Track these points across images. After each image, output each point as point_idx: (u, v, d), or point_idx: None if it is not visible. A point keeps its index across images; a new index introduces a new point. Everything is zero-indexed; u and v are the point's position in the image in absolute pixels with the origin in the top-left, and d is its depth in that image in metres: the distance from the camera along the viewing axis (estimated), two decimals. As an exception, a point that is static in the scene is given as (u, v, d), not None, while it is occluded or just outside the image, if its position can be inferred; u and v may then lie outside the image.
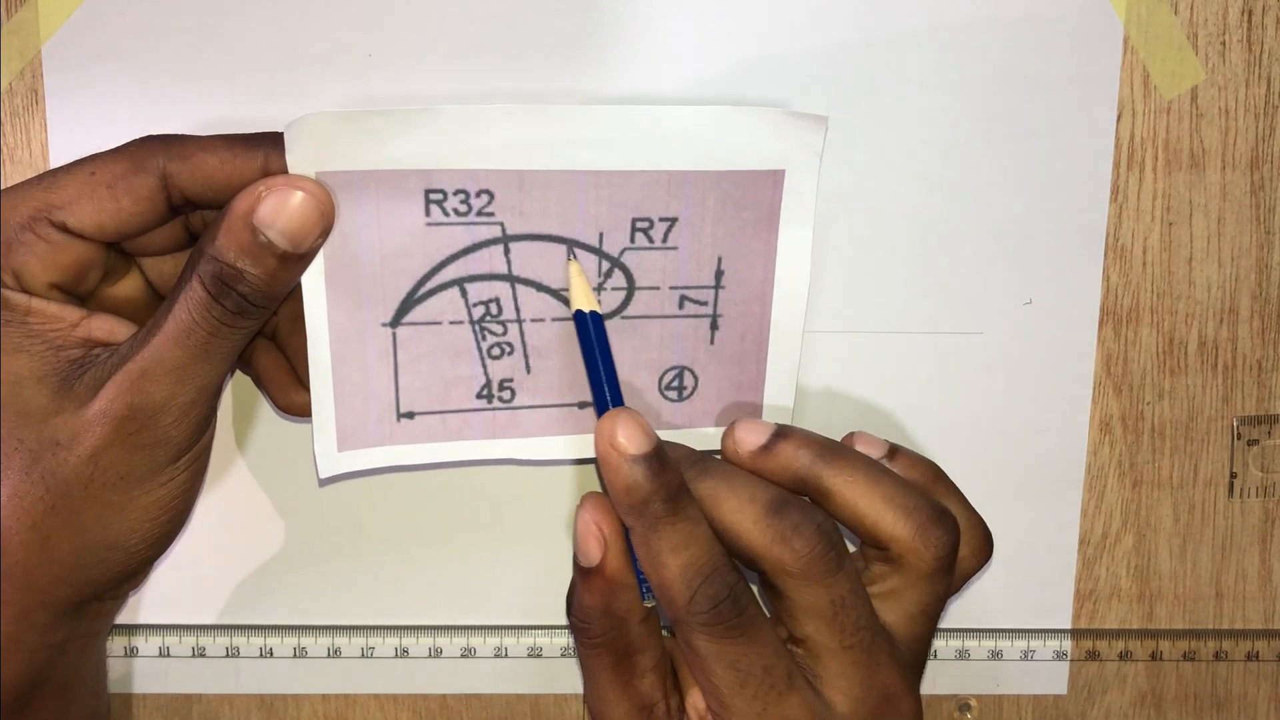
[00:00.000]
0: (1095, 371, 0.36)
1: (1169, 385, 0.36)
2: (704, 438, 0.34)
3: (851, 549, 0.30)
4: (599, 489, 0.31)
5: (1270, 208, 0.35)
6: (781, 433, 0.30)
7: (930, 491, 0.31)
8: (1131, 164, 0.35)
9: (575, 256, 0.32)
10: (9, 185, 0.28)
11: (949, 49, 0.33)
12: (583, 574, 0.29)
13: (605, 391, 0.31)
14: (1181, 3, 0.34)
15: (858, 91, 0.33)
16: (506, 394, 0.33)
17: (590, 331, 0.31)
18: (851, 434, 0.32)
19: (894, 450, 0.32)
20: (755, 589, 0.30)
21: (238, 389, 0.35)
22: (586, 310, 0.31)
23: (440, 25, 0.32)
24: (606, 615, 0.29)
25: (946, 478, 0.32)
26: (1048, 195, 0.34)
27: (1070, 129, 0.34)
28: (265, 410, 0.35)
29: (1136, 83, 0.34)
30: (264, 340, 0.33)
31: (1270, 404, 0.36)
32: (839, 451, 0.30)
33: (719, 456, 0.31)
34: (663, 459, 0.28)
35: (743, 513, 0.28)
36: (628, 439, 0.27)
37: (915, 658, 0.30)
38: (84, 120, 0.32)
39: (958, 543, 0.29)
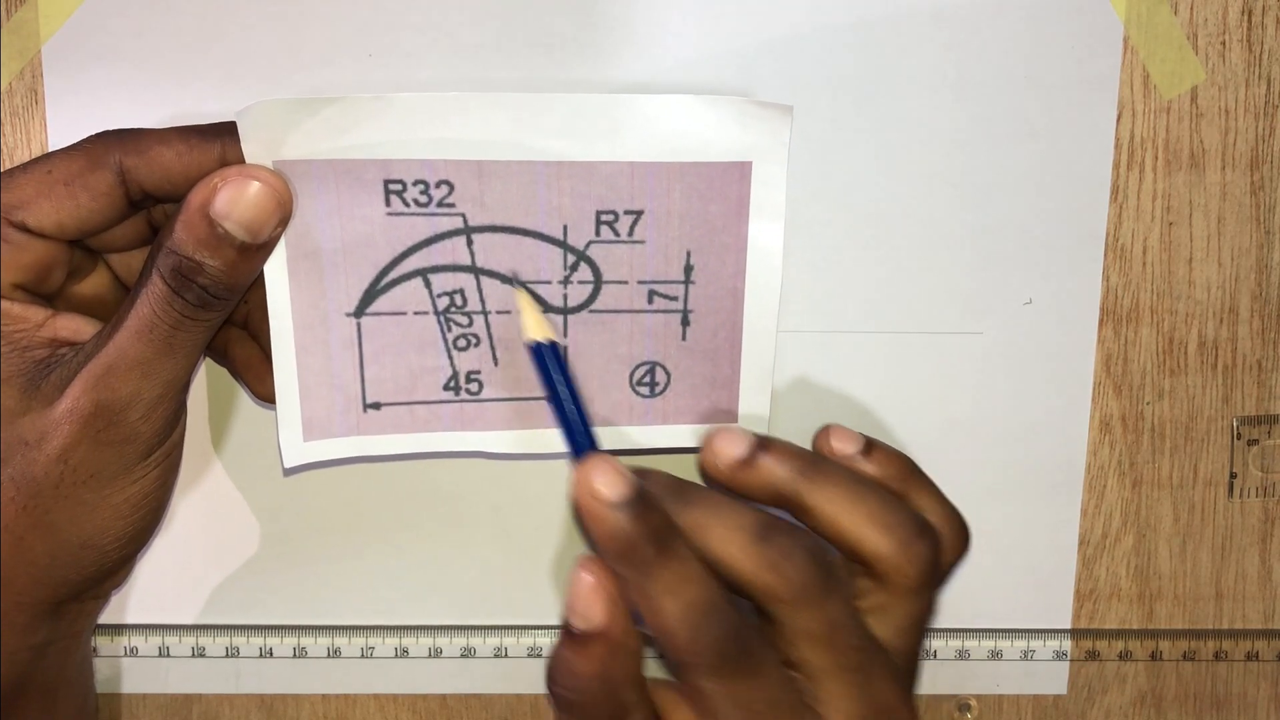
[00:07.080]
0: (1095, 371, 0.35)
1: (1169, 385, 0.36)
2: (676, 435, 0.33)
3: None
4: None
5: (1270, 208, 0.35)
6: (762, 444, 0.28)
7: (905, 488, 0.30)
8: (1131, 164, 0.34)
9: (522, 285, 0.30)
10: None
11: (949, 48, 0.33)
12: (579, 641, 0.26)
13: (573, 431, 0.28)
14: (1181, 3, 0.33)
15: (858, 91, 0.33)
16: (474, 386, 0.32)
17: (548, 365, 0.28)
18: (827, 427, 0.30)
19: (870, 445, 0.30)
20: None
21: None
22: (544, 340, 0.29)
23: (440, 25, 0.32)
24: (603, 683, 0.27)
25: (920, 472, 0.30)
26: (1048, 195, 0.34)
27: (1070, 129, 0.34)
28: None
29: (1136, 83, 0.34)
30: (237, 330, 0.32)
31: (1270, 404, 0.36)
32: (820, 466, 0.28)
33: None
34: (645, 500, 0.26)
35: (730, 541, 0.26)
36: (606, 486, 0.26)
37: (909, 666, 0.29)
38: (84, 120, 0.32)
39: (939, 555, 0.28)
